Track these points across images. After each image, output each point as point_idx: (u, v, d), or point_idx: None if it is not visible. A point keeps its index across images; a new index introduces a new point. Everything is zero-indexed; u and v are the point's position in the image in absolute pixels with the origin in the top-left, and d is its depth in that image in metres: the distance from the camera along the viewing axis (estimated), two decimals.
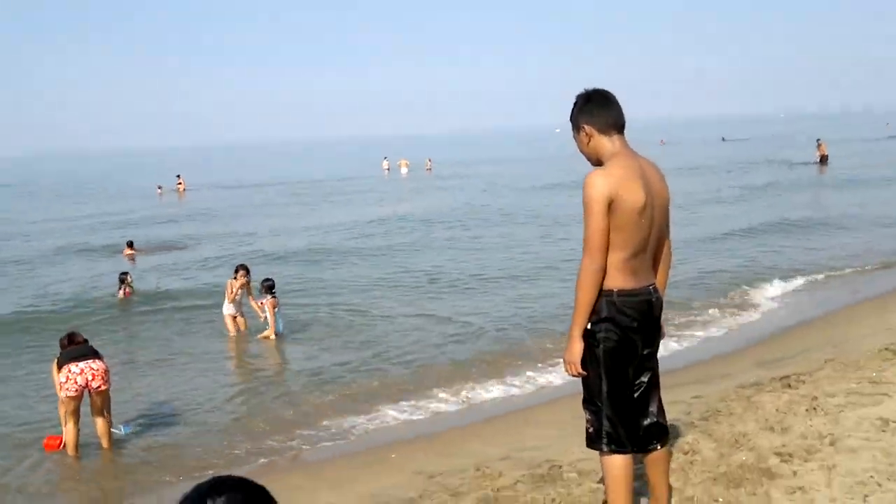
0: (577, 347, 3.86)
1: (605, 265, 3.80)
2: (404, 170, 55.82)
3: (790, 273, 14.91)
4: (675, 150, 67.08)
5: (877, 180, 32.73)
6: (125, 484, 7.41)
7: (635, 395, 4.04)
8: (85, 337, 8.07)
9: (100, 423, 7.84)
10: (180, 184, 46.76)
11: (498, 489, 5.60)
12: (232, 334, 12.40)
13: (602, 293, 3.83)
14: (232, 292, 12.27)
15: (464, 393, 9.35)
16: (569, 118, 4.07)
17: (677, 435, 5.93)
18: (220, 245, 23.12)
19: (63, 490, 7.39)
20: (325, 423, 8.58)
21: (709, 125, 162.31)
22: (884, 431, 5.32)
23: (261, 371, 10.98)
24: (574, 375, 3.95)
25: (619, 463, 3.95)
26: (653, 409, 4.11)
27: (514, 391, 9.42)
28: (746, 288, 13.87)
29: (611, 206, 3.75)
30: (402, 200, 35.38)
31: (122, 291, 15.42)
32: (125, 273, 15.91)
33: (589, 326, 3.88)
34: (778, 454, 5.17)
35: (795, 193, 29.93)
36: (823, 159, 42.15)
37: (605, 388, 3.93)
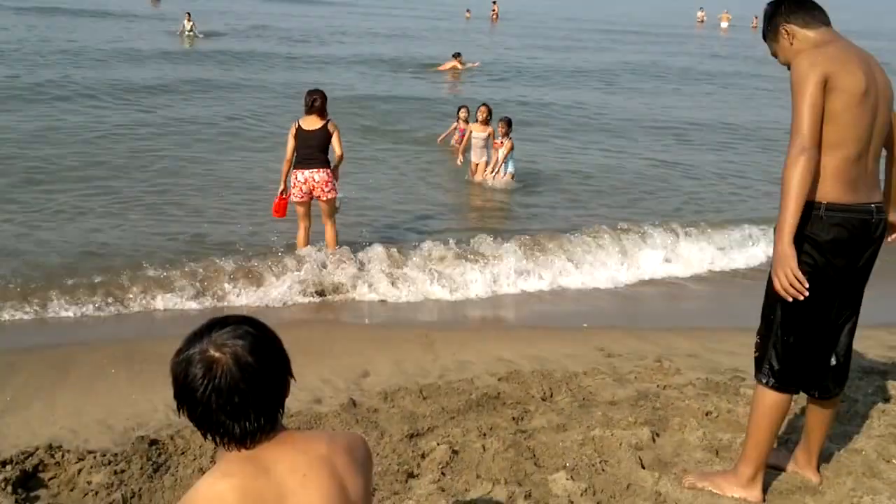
0: (789, 254, 3.16)
1: (818, 150, 3.18)
2: (724, 24, 51.44)
3: None
4: None
5: None
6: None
7: (830, 331, 3.49)
8: (320, 99, 7.85)
9: (327, 228, 8.12)
10: (494, 10, 46.60)
11: (664, 386, 5.31)
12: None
13: (807, 204, 3.21)
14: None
15: None
16: (762, 34, 3.57)
17: (866, 377, 5.21)
18: None
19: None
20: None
21: None
22: None
23: None
24: (786, 290, 3.21)
25: (772, 400, 3.49)
26: (841, 351, 3.56)
27: None
28: None
29: (826, 86, 3.16)
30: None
31: None
32: None
33: None
34: None
35: None
36: None
37: (779, 314, 3.40)
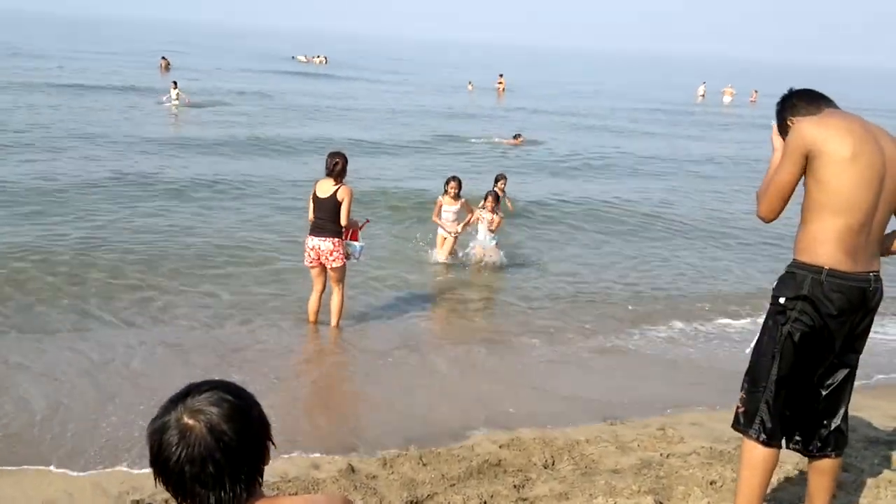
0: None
1: (775, 216, 3.45)
2: (727, 98, 52.06)
3: None
4: None
5: None
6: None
7: (824, 393, 3.56)
8: (340, 162, 7.79)
9: (333, 296, 8.03)
10: (501, 82, 46.81)
11: (667, 455, 5.24)
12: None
13: (810, 268, 3.35)
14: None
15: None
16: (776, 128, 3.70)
17: (871, 447, 5.15)
18: None
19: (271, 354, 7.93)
20: None
21: None
22: None
23: None
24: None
25: (761, 455, 3.51)
26: (839, 413, 3.59)
27: None
28: None
29: (809, 156, 3.29)
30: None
31: None
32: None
33: (782, 301, 3.42)
34: None
35: None
36: None
37: (774, 372, 3.47)
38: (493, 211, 10.88)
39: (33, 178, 14.10)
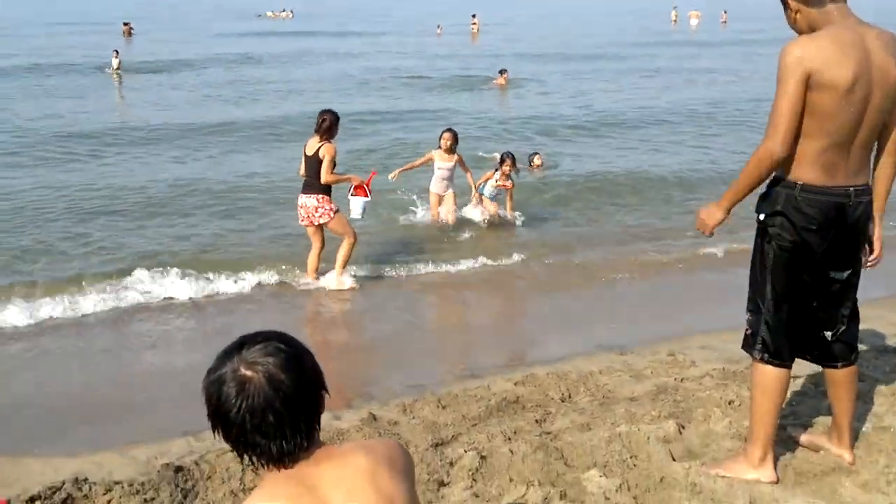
0: (718, 216, 3.50)
1: (788, 152, 3.25)
2: (694, 21, 52.00)
3: None
4: None
5: None
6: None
7: (814, 304, 3.55)
8: (328, 119, 7.69)
9: (340, 247, 7.92)
10: (475, 23, 45.92)
11: (682, 379, 5.33)
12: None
13: (784, 183, 3.34)
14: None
15: None
16: None
17: (881, 356, 5.24)
18: None
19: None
20: None
21: None
22: None
23: None
24: (701, 232, 3.60)
25: (769, 374, 3.55)
26: (839, 324, 3.60)
27: None
28: None
29: (808, 81, 3.16)
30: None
31: None
32: None
33: (762, 217, 3.44)
34: None
35: None
36: None
37: (769, 290, 3.49)
38: (508, 176, 10.14)
39: None
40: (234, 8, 73.65)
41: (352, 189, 8.05)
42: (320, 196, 7.73)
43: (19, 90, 21.63)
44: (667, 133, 16.77)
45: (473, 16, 46.40)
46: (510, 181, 10.22)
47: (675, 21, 53.56)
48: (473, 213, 10.18)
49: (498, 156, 10.68)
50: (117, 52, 26.60)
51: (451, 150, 9.87)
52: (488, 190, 10.21)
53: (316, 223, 7.82)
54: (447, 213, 10.01)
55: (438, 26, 46.42)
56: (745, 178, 3.36)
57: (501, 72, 23.44)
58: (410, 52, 34.00)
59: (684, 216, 10.39)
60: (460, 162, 9.97)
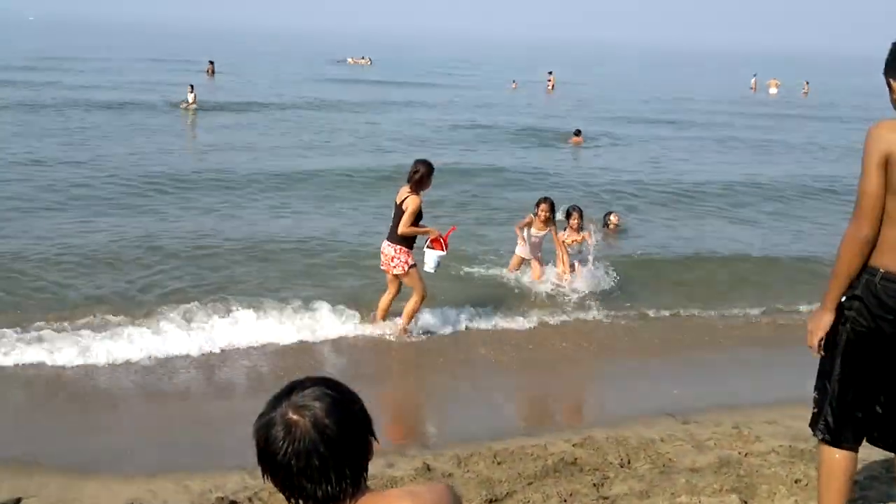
0: (826, 320, 3.36)
1: (875, 232, 3.20)
2: (773, 90, 51.36)
3: None
4: None
5: None
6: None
7: (884, 392, 3.43)
8: (417, 173, 7.71)
9: (410, 299, 7.94)
10: (550, 80, 45.98)
11: (746, 454, 5.16)
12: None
13: (866, 269, 3.27)
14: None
15: None
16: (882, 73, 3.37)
17: None
18: None
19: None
20: None
21: None
22: None
23: None
24: (811, 348, 3.45)
25: (834, 456, 3.46)
26: None
27: None
28: None
29: (888, 163, 3.12)
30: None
31: None
32: None
33: (842, 300, 3.36)
34: None
35: None
36: None
37: (837, 371, 3.41)
38: (578, 229, 9.78)
39: None
40: (318, 53, 75.75)
41: (428, 241, 7.95)
42: (398, 247, 7.75)
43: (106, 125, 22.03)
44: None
45: (550, 72, 46.76)
46: (582, 232, 9.77)
47: (753, 88, 53.05)
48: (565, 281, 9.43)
49: (564, 210, 10.22)
50: (192, 88, 26.68)
51: (547, 220, 9.42)
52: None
53: (391, 273, 7.90)
54: (534, 274, 9.62)
55: (513, 81, 46.78)
56: (839, 266, 3.30)
57: (576, 132, 23.41)
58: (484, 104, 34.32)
59: None
60: (554, 233, 9.47)
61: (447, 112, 30.33)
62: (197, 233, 11.26)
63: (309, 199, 14.17)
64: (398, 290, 8.06)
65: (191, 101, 26.38)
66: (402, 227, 7.64)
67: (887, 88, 3.34)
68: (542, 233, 9.51)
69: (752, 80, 54.83)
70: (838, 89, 54.30)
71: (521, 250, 9.78)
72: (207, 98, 28.13)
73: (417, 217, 7.73)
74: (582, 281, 9.40)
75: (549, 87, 44.75)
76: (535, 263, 9.70)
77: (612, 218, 12.64)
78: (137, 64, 47.40)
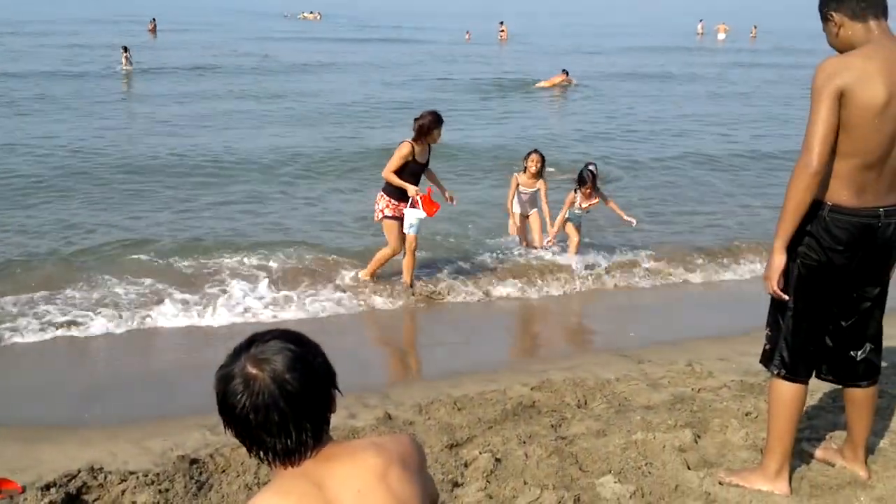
0: (777, 261, 3.38)
1: (825, 168, 3.22)
2: (721, 35, 51.58)
3: None
4: None
5: None
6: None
7: (842, 323, 3.55)
8: (416, 121, 7.53)
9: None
10: (503, 30, 45.74)
11: (699, 389, 5.30)
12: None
13: (814, 203, 3.29)
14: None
15: None
16: (817, 8, 3.37)
17: None
18: None
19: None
20: None
21: None
22: None
23: None
24: (770, 293, 3.50)
25: (786, 391, 3.55)
26: (865, 344, 3.60)
27: None
28: None
29: (841, 99, 3.13)
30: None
31: None
32: None
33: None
34: None
35: None
36: None
37: (790, 307, 3.47)
38: (590, 196, 8.65)
39: None
40: (261, 9, 74.12)
41: (410, 200, 7.59)
42: (380, 193, 7.67)
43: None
44: None
45: (501, 23, 46.46)
46: (596, 197, 8.71)
47: (700, 34, 53.24)
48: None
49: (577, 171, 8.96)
50: (126, 50, 25.32)
51: (537, 174, 8.78)
52: (573, 217, 8.81)
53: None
54: (534, 235, 9.04)
55: (467, 32, 46.40)
56: (789, 202, 3.27)
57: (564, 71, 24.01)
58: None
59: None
60: (543, 191, 8.81)
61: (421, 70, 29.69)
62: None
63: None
64: (402, 245, 7.74)
65: (124, 63, 25.01)
66: (385, 170, 7.50)
67: (823, 23, 3.35)
68: (531, 189, 8.83)
69: (699, 25, 54.98)
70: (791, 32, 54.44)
71: (516, 206, 8.95)
72: (146, 60, 27.05)
73: (410, 171, 7.48)
74: (578, 258, 8.76)
75: (502, 38, 44.57)
76: (533, 218, 8.96)
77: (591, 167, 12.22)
78: (82, 26, 45.81)
